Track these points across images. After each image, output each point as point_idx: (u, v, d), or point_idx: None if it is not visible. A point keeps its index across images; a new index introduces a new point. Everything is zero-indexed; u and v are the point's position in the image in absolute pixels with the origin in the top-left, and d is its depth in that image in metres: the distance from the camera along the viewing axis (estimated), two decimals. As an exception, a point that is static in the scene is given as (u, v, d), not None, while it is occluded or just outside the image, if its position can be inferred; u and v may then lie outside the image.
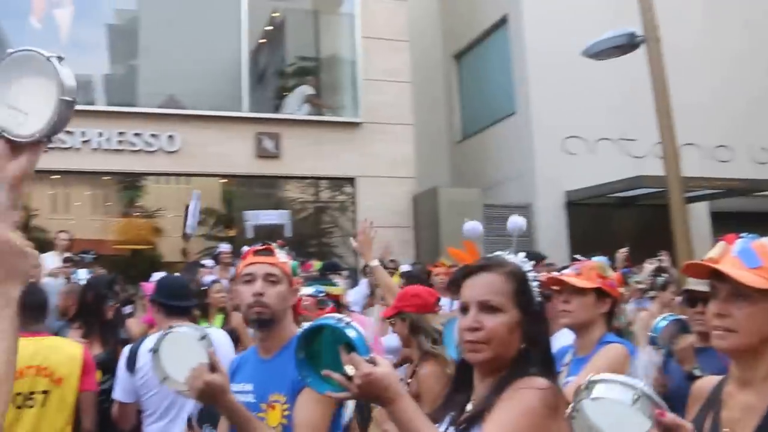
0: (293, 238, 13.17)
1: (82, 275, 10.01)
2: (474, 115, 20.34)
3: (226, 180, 17.08)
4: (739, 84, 18.13)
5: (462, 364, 2.57)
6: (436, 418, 2.47)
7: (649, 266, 10.32)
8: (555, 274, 4.71)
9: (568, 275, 4.25)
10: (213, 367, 2.81)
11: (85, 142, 14.42)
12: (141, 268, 15.38)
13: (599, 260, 4.33)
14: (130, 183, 16.86)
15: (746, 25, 18.64)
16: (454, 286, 2.67)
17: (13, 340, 1.54)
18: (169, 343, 2.98)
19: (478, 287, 2.46)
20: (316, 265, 10.61)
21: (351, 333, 2.29)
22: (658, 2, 10.56)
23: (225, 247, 12.11)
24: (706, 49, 17.85)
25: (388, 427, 4.67)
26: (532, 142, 16.96)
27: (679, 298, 8.13)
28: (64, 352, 5.16)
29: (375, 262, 6.94)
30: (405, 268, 10.46)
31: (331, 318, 2.43)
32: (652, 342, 5.24)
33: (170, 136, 14.93)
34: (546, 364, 2.45)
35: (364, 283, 10.25)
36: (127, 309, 8.85)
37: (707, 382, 2.58)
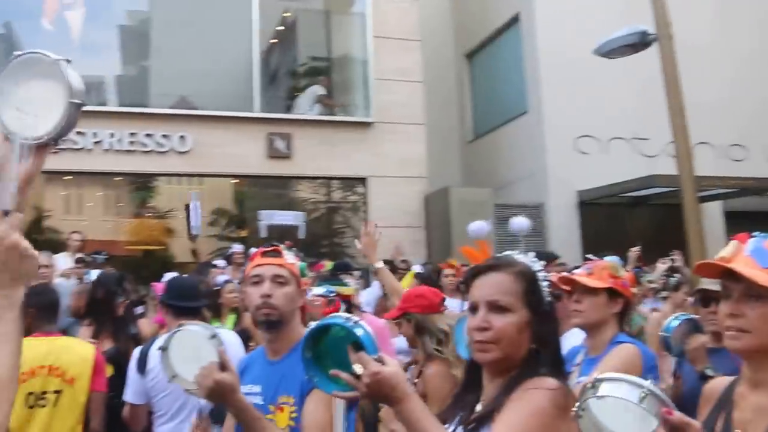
0: (305, 239, 13.18)
1: (96, 276, 10.03)
2: (485, 115, 20.30)
3: (237, 180, 17.09)
4: (752, 82, 18.04)
5: (471, 364, 2.56)
6: (445, 418, 2.46)
7: (661, 266, 10.29)
8: (565, 274, 4.68)
9: (580, 275, 4.22)
10: (223, 366, 2.79)
11: (96, 142, 14.46)
12: (153, 268, 15.38)
13: (611, 260, 4.31)
14: (141, 184, 16.89)
15: (760, 23, 18.55)
16: (464, 286, 2.65)
17: (18, 343, 1.53)
18: (179, 341, 2.97)
19: (487, 287, 2.44)
20: (327, 265, 10.59)
21: (359, 332, 2.27)
22: (670, 0, 10.52)
23: (237, 248, 12.11)
24: (720, 46, 17.76)
25: (395, 427, 4.66)
26: (544, 141, 16.91)
27: (691, 299, 8.11)
28: (76, 352, 5.18)
29: (379, 264, 6.93)
30: (416, 268, 10.43)
31: (338, 317, 2.41)
32: (665, 342, 5.21)
33: (182, 137, 14.96)
34: (556, 365, 2.44)
35: (376, 284, 10.22)
36: (139, 309, 8.86)
37: (719, 382, 2.56)
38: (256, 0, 16.19)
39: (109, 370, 5.71)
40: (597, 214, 16.74)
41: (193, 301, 5.48)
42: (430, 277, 9.26)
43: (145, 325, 7.83)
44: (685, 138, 10.22)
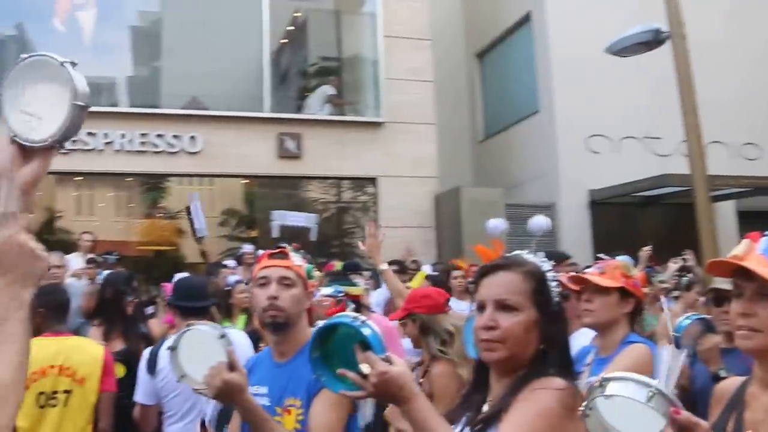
0: (315, 239, 13.17)
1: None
2: (497, 114, 20.29)
3: (247, 181, 17.11)
4: (766, 81, 17.97)
5: (479, 363, 2.55)
6: (452, 418, 2.45)
7: (673, 266, 10.24)
8: (573, 273, 4.67)
9: (592, 274, 4.20)
10: (231, 366, 2.79)
11: (108, 143, 14.49)
12: (164, 269, 15.43)
13: (623, 259, 4.28)
14: (152, 184, 16.93)
15: (773, 21, 18.48)
16: (474, 285, 2.64)
17: (26, 344, 1.53)
18: (188, 341, 2.97)
19: (495, 286, 2.43)
20: (337, 265, 10.59)
21: (366, 331, 2.25)
22: (683, -2, 10.50)
23: (248, 248, 12.10)
24: (733, 45, 17.69)
25: (402, 426, 4.65)
26: (556, 140, 16.88)
27: (703, 298, 8.07)
28: (87, 352, 5.20)
29: (384, 266, 6.93)
30: (426, 268, 10.42)
31: (346, 316, 2.40)
32: (676, 342, 5.18)
33: (192, 137, 14.97)
34: (564, 365, 2.42)
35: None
36: (149, 310, 8.88)
37: (730, 383, 2.53)
38: (266, 0, 16.19)
39: (120, 371, 5.73)
40: (609, 214, 16.69)
41: (201, 301, 5.48)
42: (441, 280, 9.23)
43: (155, 326, 7.84)
44: (698, 137, 10.19)
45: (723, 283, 4.33)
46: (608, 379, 2.00)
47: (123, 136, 14.56)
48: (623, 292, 4.08)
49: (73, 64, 1.74)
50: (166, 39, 17.24)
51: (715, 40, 16.72)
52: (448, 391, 4.80)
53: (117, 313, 6.38)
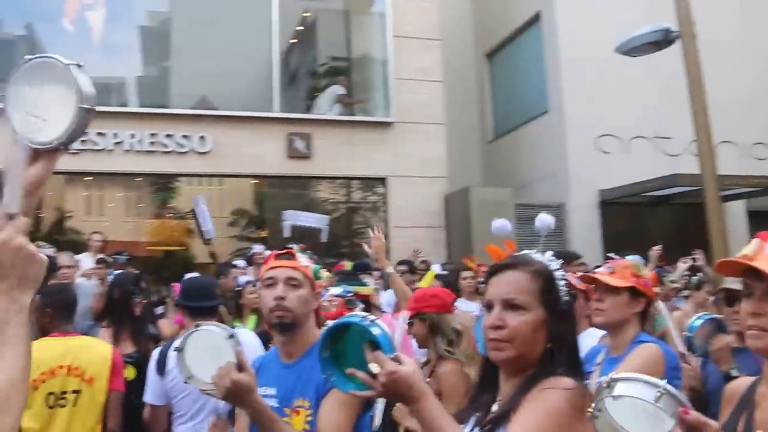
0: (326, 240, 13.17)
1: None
2: (506, 114, 20.27)
3: (257, 181, 17.11)
4: (776, 80, 17.92)
5: (488, 363, 2.54)
6: (461, 418, 2.44)
7: (682, 265, 10.23)
8: (581, 273, 4.66)
9: (602, 274, 4.19)
10: (240, 367, 2.78)
11: (117, 143, 14.49)
12: (173, 269, 15.45)
13: (633, 259, 4.26)
14: (162, 184, 16.95)
15: (784, 21, 18.42)
16: (484, 285, 2.63)
17: (27, 346, 1.53)
18: (195, 341, 2.96)
19: (503, 285, 2.43)
20: (347, 265, 10.59)
21: (376, 331, 2.25)
22: (692, -3, 10.48)
23: (258, 248, 12.09)
24: (743, 45, 17.65)
25: (410, 425, 4.66)
26: (565, 140, 16.84)
27: (711, 298, 8.05)
28: (95, 351, 5.20)
29: (390, 269, 6.95)
30: (436, 268, 10.41)
31: (355, 316, 2.40)
32: (688, 342, 5.17)
33: (202, 137, 14.98)
34: (573, 365, 2.41)
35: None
36: (159, 309, 8.90)
37: (740, 382, 2.52)
38: (275, 0, 16.18)
39: (131, 373, 5.74)
40: (618, 214, 16.66)
41: (208, 301, 5.48)
42: (450, 280, 9.23)
43: (165, 326, 7.86)
44: (708, 137, 10.16)
45: (734, 283, 4.31)
46: (616, 380, 1.99)
47: (132, 136, 14.57)
48: (634, 292, 4.06)
49: (79, 66, 1.74)
50: (175, 39, 17.26)
51: (726, 40, 16.69)
52: (457, 390, 4.80)
53: (125, 314, 6.38)
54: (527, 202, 16.00)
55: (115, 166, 14.63)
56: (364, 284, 7.24)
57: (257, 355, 4.71)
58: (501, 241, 8.03)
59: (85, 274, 10.19)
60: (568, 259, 8.50)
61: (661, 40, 10.60)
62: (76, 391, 4.96)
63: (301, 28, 18.53)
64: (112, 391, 5.16)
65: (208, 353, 2.87)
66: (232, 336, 2.87)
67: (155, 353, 5.40)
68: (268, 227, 17.00)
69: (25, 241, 1.59)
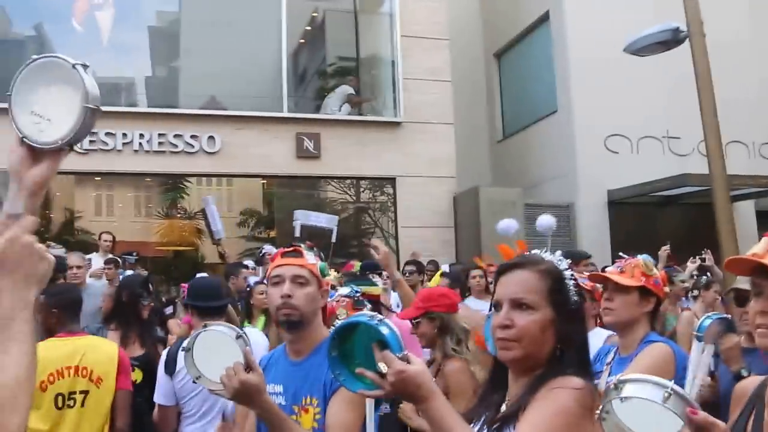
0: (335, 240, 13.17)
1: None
2: (515, 114, 20.25)
3: (266, 181, 17.12)
4: (786, 80, 17.85)
5: (497, 363, 2.53)
6: (470, 417, 2.44)
7: (691, 265, 10.21)
8: (587, 273, 4.65)
9: (612, 273, 4.18)
10: (248, 367, 2.78)
11: (126, 143, 14.49)
12: (183, 269, 15.50)
13: (643, 258, 4.24)
14: (171, 184, 16.98)
15: (793, 20, 18.35)
16: (494, 285, 2.63)
17: (32, 343, 1.53)
18: (203, 342, 2.96)
19: (511, 285, 2.43)
20: (356, 265, 10.58)
21: (384, 330, 2.25)
22: (701, -4, 10.45)
23: (269, 248, 12.10)
24: (752, 44, 17.59)
25: (416, 423, 4.66)
26: (574, 140, 16.81)
27: (719, 298, 8.03)
28: (101, 351, 5.21)
29: (398, 275, 6.97)
30: (446, 268, 10.41)
31: (363, 315, 2.40)
32: (697, 341, 5.15)
33: (211, 137, 14.97)
34: (582, 364, 2.40)
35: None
36: (168, 310, 8.92)
37: (750, 382, 2.51)
38: (284, 0, 16.18)
39: (138, 376, 5.77)
40: (627, 214, 16.63)
41: (216, 301, 5.49)
42: (458, 278, 9.23)
43: (174, 326, 7.88)
44: (717, 136, 10.14)
45: (744, 283, 4.30)
46: (624, 381, 1.99)
47: (142, 136, 14.56)
48: (643, 291, 4.05)
49: (85, 66, 1.74)
50: (184, 39, 17.29)
51: (735, 40, 16.64)
52: (464, 388, 4.80)
53: (133, 317, 6.42)
54: (536, 202, 15.97)
55: (124, 167, 14.64)
56: (373, 284, 7.22)
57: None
58: (511, 241, 8.04)
59: (94, 275, 10.21)
60: (577, 258, 8.50)
61: (670, 40, 10.58)
62: (84, 392, 4.98)
63: (310, 28, 18.54)
64: (119, 390, 5.17)
65: (216, 353, 2.86)
66: (240, 336, 2.87)
67: (164, 353, 5.41)
68: (277, 227, 17.03)
69: (32, 239, 1.59)
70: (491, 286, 2.87)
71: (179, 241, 17.88)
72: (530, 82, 19.65)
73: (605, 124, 16.63)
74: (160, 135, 14.72)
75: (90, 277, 9.97)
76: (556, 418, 2.16)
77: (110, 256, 11.03)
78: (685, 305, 9.19)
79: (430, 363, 5.34)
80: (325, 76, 18.59)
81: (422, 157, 15.99)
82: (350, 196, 17.28)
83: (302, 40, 18.17)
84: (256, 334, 5.69)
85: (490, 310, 2.52)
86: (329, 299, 3.99)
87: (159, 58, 17.76)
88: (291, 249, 3.41)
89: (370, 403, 2.92)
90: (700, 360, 4.72)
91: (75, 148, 1.75)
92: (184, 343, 3.05)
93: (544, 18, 18.42)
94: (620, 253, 4.52)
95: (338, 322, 2.49)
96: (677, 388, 1.90)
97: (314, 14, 18.48)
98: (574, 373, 2.29)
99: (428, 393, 2.17)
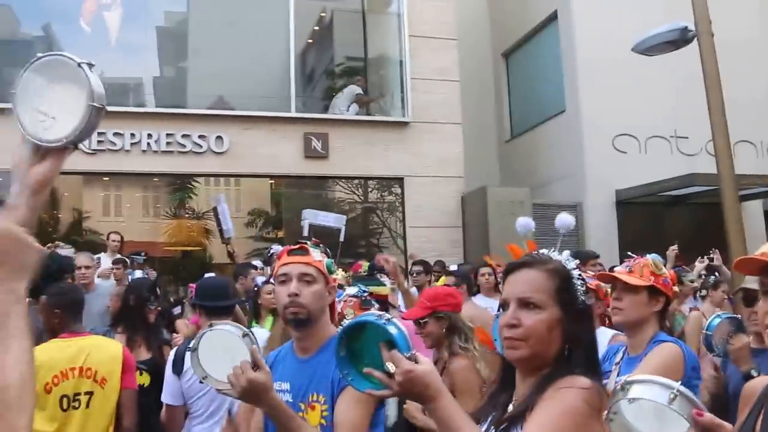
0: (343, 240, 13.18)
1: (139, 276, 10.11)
2: (523, 114, 20.23)
3: (274, 181, 17.13)
4: (795, 79, 17.80)
5: (505, 362, 2.53)
6: (478, 417, 2.43)
7: (699, 265, 10.20)
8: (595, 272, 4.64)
9: (621, 272, 4.16)
10: (255, 365, 2.78)
11: (134, 143, 14.49)
12: (191, 269, 15.51)
13: (653, 257, 4.23)
14: (179, 184, 17.00)
15: (802, 19, 18.30)
16: (502, 284, 2.63)
17: (30, 339, 1.51)
18: (209, 341, 2.96)
19: (518, 284, 2.42)
20: (364, 265, 10.58)
21: (392, 330, 2.25)
22: (710, -4, 10.42)
23: (277, 248, 12.09)
24: (761, 43, 17.56)
25: (421, 423, 4.66)
26: (582, 140, 16.79)
27: (726, 298, 8.02)
28: (105, 351, 5.21)
29: (406, 286, 7.03)
30: (454, 268, 10.42)
31: (371, 315, 2.39)
32: (707, 341, 5.14)
33: (219, 137, 14.97)
34: (590, 364, 2.39)
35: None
36: (176, 310, 8.93)
37: (758, 382, 2.51)
38: (292, 0, 16.18)
39: (146, 379, 5.78)
40: (635, 214, 16.60)
41: (223, 300, 5.49)
42: (466, 276, 9.24)
43: (182, 326, 7.88)
44: (726, 136, 10.12)
45: (752, 283, 4.28)
46: (631, 383, 1.98)
47: (150, 136, 14.56)
48: (652, 291, 4.04)
49: (90, 65, 1.73)
50: (192, 39, 17.30)
51: (743, 39, 16.59)
52: (470, 385, 4.80)
53: (139, 320, 6.43)
54: (544, 202, 15.97)
55: (132, 167, 14.65)
56: (381, 284, 7.24)
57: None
58: (521, 240, 8.05)
59: (102, 275, 10.22)
60: (585, 258, 8.49)
61: (678, 39, 10.55)
62: (88, 393, 4.98)
63: (318, 28, 18.54)
64: (124, 389, 5.18)
65: (223, 352, 2.86)
66: (246, 334, 2.87)
67: (172, 353, 5.42)
68: (285, 227, 17.05)
69: (14, 227, 1.57)
70: (500, 285, 2.86)
71: (187, 241, 17.90)
72: (538, 81, 19.63)
73: (613, 124, 16.60)
74: (168, 135, 14.73)
75: (98, 277, 9.98)
76: (563, 418, 2.15)
77: (118, 256, 11.03)
78: (693, 305, 9.17)
79: (435, 362, 5.34)
80: (333, 76, 18.58)
81: (430, 157, 15.98)
82: (358, 196, 17.28)
83: (310, 40, 18.17)
84: (263, 334, 5.69)
85: (499, 310, 2.51)
86: (337, 299, 3.99)
87: (167, 58, 17.78)
88: (297, 247, 3.40)
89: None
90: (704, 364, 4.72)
91: (83, 147, 1.75)
92: (191, 344, 3.05)
93: (552, 17, 18.40)
94: (629, 253, 4.51)
95: (346, 322, 2.48)
96: (683, 389, 1.89)
97: (322, 14, 18.48)
98: (582, 373, 2.28)
99: (436, 393, 2.16)
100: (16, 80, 1.78)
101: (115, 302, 7.87)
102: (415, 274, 10.64)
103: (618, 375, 3.90)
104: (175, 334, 7.37)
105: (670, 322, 6.20)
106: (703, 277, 9.78)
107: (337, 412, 3.01)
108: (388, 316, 2.33)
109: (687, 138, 16.75)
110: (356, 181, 16.85)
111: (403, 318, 5.52)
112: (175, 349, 5.51)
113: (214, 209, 12.19)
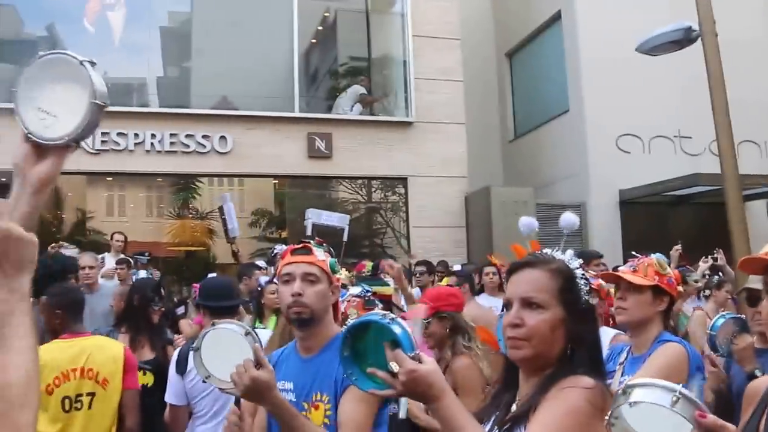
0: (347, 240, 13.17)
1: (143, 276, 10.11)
2: (527, 113, 20.21)
3: (277, 181, 17.13)
4: (799, 79, 17.77)
5: (508, 362, 2.53)
6: (481, 417, 2.43)
7: (703, 265, 10.19)
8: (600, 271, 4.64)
9: (625, 272, 4.16)
10: (259, 363, 2.78)
11: (138, 143, 14.49)
12: (195, 269, 15.52)
13: (657, 257, 4.23)
14: (183, 184, 17.01)
15: (806, 19, 18.27)
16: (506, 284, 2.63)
17: (35, 336, 1.50)
18: (211, 341, 2.96)
19: (522, 284, 2.42)
20: (368, 265, 10.58)
21: (396, 329, 2.24)
22: (714, -5, 10.41)
23: (280, 248, 12.06)
24: (765, 43, 17.52)
25: (424, 422, 4.66)
26: (586, 140, 16.77)
27: (730, 297, 8.01)
28: (107, 352, 5.22)
29: (410, 291, 7.06)
30: (458, 268, 10.42)
31: (375, 314, 2.39)
32: (711, 341, 5.13)
33: (222, 137, 14.96)
34: (594, 364, 2.39)
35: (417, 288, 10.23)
36: (180, 310, 8.93)
37: (762, 381, 2.51)
38: (296, 0, 16.18)
39: (149, 380, 5.78)
40: (639, 214, 16.59)
41: (227, 300, 5.49)
42: (469, 276, 9.23)
43: (185, 326, 7.88)
44: (729, 136, 10.10)
45: (756, 283, 4.28)
46: (632, 386, 1.97)
47: (153, 136, 14.56)
48: (657, 290, 4.03)
49: (92, 63, 1.73)
50: (195, 39, 17.31)
51: (747, 39, 16.56)
52: (473, 384, 4.81)
53: (143, 320, 6.43)
54: (548, 202, 15.95)
55: (136, 167, 14.65)
56: (385, 284, 7.23)
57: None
58: (525, 240, 8.04)
59: (106, 275, 10.22)
60: (589, 258, 8.49)
61: (682, 39, 10.54)
62: (90, 394, 4.99)
63: (321, 28, 18.53)
64: (127, 389, 5.18)
65: (225, 351, 2.86)
66: (249, 333, 2.87)
67: (175, 353, 5.42)
68: (289, 227, 17.05)
69: (13, 225, 1.55)
70: (504, 285, 2.86)
71: (191, 241, 17.92)
72: (542, 81, 19.61)
73: (617, 124, 16.59)
74: (171, 135, 14.72)
75: (102, 277, 9.98)
76: (566, 418, 2.15)
77: (122, 256, 11.03)
78: (697, 305, 9.16)
79: (437, 362, 5.34)
80: (336, 76, 18.58)
81: (434, 157, 15.97)
82: (362, 196, 17.27)
83: (314, 40, 18.16)
84: (267, 335, 5.68)
85: (503, 309, 2.52)
86: (340, 299, 3.99)
87: (171, 58, 17.79)
88: (301, 246, 3.39)
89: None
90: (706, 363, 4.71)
91: (86, 147, 1.75)
92: (194, 343, 3.05)
93: (556, 17, 18.39)
94: (633, 253, 4.50)
95: (349, 322, 2.48)
96: (686, 391, 1.89)
97: (326, 14, 18.49)
98: (585, 373, 2.28)
99: (439, 392, 2.16)
100: (18, 79, 1.78)
101: (119, 302, 7.86)
102: (418, 275, 10.65)
103: (622, 375, 3.90)
104: (177, 335, 7.38)
105: (675, 322, 6.21)
106: (707, 277, 9.77)
107: (340, 412, 3.01)
108: (392, 315, 2.33)
109: (691, 138, 16.73)
110: (360, 181, 16.85)
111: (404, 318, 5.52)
112: (178, 349, 5.51)
113: (220, 208, 12.18)
